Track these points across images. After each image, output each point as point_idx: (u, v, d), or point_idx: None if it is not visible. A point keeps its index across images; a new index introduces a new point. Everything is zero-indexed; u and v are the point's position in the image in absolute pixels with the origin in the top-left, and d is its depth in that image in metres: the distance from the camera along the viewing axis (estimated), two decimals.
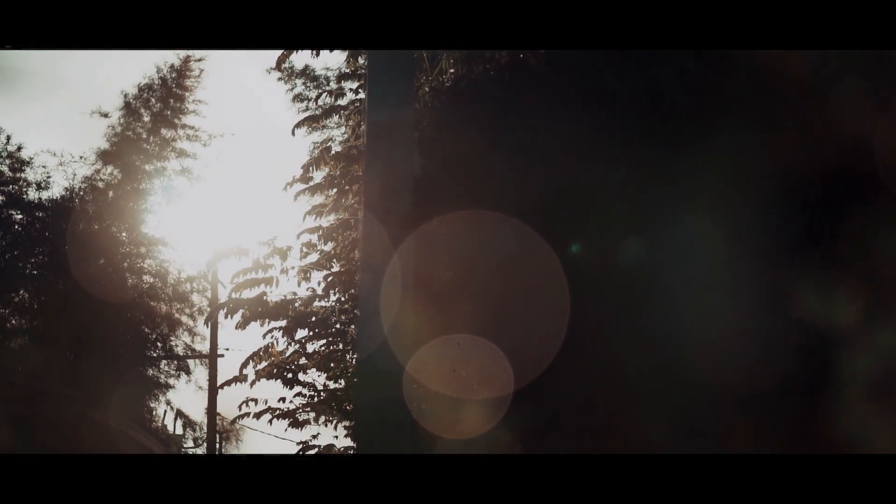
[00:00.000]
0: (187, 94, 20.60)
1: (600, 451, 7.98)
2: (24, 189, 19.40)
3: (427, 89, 10.01)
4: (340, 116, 16.50)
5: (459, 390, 8.85)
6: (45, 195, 19.53)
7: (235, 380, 17.15)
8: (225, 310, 16.71)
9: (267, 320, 16.38)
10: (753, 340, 8.02)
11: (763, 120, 8.33)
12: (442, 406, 8.64)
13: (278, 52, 16.03)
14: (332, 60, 22.91)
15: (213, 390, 23.43)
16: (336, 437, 16.54)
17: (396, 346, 5.17)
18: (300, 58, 16.63)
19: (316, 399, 16.47)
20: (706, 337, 8.01)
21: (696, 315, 8.15)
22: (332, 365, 16.12)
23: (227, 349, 23.79)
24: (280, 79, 17.06)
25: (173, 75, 20.53)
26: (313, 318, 16.23)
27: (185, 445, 23.74)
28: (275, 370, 16.34)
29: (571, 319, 8.22)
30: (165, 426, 21.94)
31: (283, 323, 16.31)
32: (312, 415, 16.59)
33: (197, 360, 21.06)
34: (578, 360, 8.23)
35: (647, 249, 8.48)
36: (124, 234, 20.03)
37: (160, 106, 20.44)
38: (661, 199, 8.42)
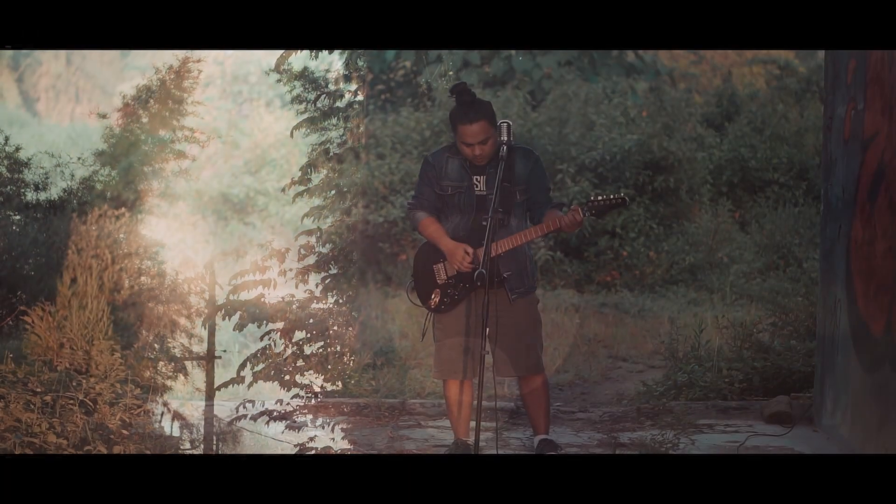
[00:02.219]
0: (186, 95, 20.55)
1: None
2: (22, 190, 19.37)
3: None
4: (339, 118, 16.50)
5: None
6: (42, 196, 19.52)
7: (232, 382, 17.13)
8: (222, 311, 16.69)
9: (264, 322, 16.35)
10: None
11: None
12: None
13: (277, 54, 16.04)
14: (331, 62, 22.92)
15: (210, 392, 23.35)
16: (333, 439, 16.50)
17: None
18: (299, 59, 16.65)
19: (313, 401, 16.45)
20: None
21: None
22: (329, 367, 16.09)
23: (225, 351, 23.74)
24: (279, 80, 17.08)
25: (171, 76, 20.49)
26: (311, 321, 16.20)
27: (181, 447, 23.64)
28: (272, 372, 16.30)
29: None
30: (162, 428, 21.83)
31: (280, 325, 16.28)
32: (310, 417, 16.55)
33: (194, 362, 21.00)
34: None
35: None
36: (122, 234, 19.96)
37: (158, 107, 20.40)
38: None
